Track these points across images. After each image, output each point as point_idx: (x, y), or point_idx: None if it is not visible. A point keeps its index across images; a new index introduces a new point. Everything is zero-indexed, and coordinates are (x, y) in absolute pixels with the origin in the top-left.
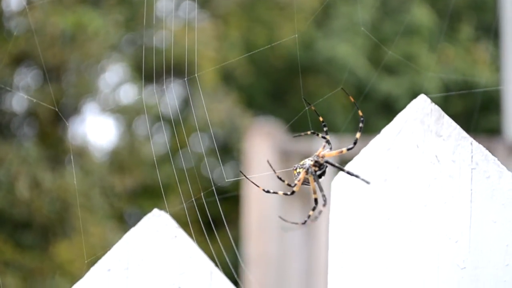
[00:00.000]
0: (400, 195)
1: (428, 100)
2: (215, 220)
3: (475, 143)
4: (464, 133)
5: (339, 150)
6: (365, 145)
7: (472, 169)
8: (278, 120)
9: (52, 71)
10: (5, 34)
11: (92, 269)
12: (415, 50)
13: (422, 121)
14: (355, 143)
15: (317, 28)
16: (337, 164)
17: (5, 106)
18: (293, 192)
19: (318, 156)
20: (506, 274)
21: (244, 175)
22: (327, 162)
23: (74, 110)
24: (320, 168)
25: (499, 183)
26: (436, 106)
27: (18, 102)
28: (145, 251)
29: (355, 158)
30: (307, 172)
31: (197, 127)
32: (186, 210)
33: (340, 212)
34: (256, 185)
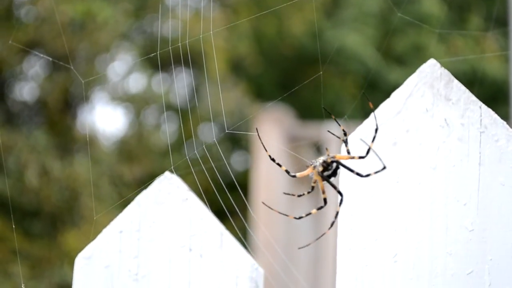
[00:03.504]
0: (409, 158)
1: (438, 64)
2: (223, 210)
3: (484, 106)
4: (473, 97)
5: (351, 156)
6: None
7: (481, 132)
8: (287, 108)
9: (61, 60)
10: (15, 22)
11: (105, 230)
12: (424, 40)
13: (431, 85)
14: (367, 153)
15: (327, 18)
16: (347, 165)
17: (15, 94)
18: (312, 188)
19: (327, 157)
20: None
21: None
22: (337, 162)
23: (83, 98)
24: (327, 168)
25: (507, 146)
26: (446, 71)
27: (28, 91)
28: (156, 213)
29: (365, 122)
30: (315, 170)
31: (211, 116)
32: (191, 167)
33: (350, 175)
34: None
